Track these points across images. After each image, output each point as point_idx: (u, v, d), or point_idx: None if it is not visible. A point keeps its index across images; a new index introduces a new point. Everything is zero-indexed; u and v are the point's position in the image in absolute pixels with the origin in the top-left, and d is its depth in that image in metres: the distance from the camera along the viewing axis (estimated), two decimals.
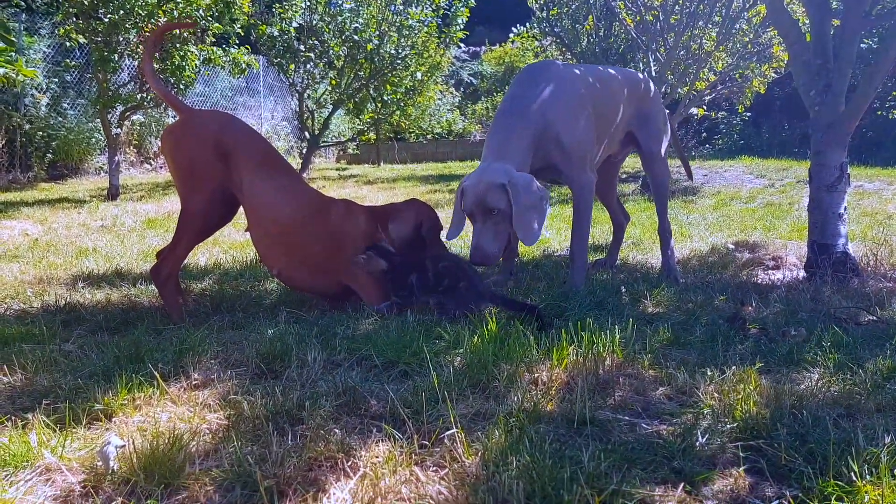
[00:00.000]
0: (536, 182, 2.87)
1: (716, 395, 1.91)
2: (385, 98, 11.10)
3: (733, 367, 2.08)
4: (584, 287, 3.19)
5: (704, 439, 1.64)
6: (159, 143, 3.03)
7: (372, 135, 12.52)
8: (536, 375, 2.03)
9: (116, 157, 7.76)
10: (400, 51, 10.09)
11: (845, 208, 3.64)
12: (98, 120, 9.14)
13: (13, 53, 4.22)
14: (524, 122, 2.97)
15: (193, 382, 2.01)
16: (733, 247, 4.54)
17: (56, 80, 9.63)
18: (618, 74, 3.55)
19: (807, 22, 6.05)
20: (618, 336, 2.27)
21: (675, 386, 2.03)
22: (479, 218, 2.83)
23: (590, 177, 3.19)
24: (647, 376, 2.10)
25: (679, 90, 8.26)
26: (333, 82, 10.43)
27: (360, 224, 2.98)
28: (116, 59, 7.18)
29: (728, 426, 1.72)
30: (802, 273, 3.70)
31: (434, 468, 1.51)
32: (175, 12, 7.05)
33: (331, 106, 10.80)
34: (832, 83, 3.61)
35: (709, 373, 2.07)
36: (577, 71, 3.31)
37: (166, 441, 1.53)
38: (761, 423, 1.72)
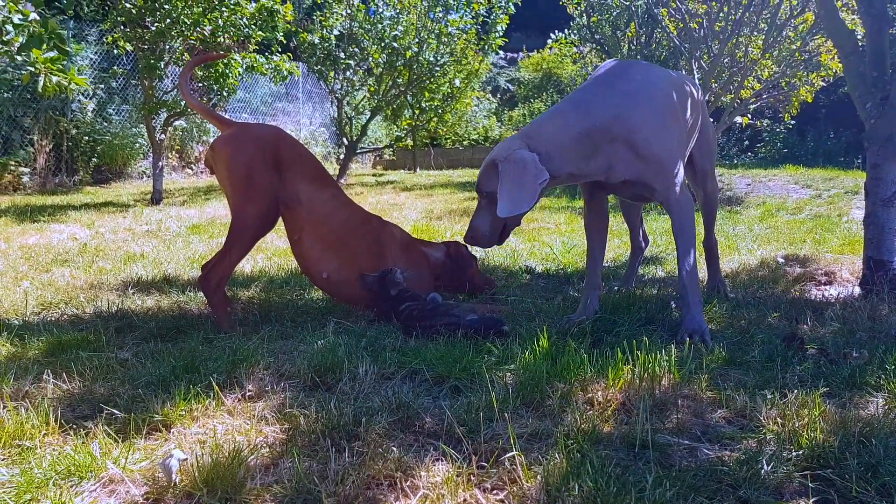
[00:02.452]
0: (537, 163, 2.54)
1: (778, 420, 1.86)
2: (423, 105, 11.12)
3: (795, 391, 2.02)
4: (632, 301, 3.13)
5: (770, 467, 1.60)
6: (208, 152, 3.13)
7: (409, 141, 12.57)
8: (591, 395, 2.00)
9: (160, 162, 7.90)
10: (439, 58, 10.11)
11: None
12: (141, 125, 9.35)
13: (66, 62, 4.32)
14: (582, 113, 2.65)
15: (248, 394, 2.02)
16: (783, 260, 4.43)
17: (102, 86, 9.86)
18: (687, 80, 3.23)
19: (858, 30, 5.91)
20: (674, 355, 2.23)
21: (734, 408, 1.98)
22: (479, 198, 2.75)
23: (687, 194, 2.84)
24: (705, 398, 2.05)
25: (723, 98, 8.11)
26: (372, 89, 10.49)
27: (395, 234, 3.28)
28: (162, 66, 7.32)
29: (794, 454, 1.66)
30: (857, 289, 3.59)
31: (494, 491, 1.49)
32: (220, 21, 7.16)
33: (369, 112, 10.86)
34: (889, 95, 3.51)
35: (769, 396, 2.01)
36: (666, 73, 3.01)
37: (226, 455, 1.54)
38: (828, 451, 1.67)
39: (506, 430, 1.71)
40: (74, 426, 1.77)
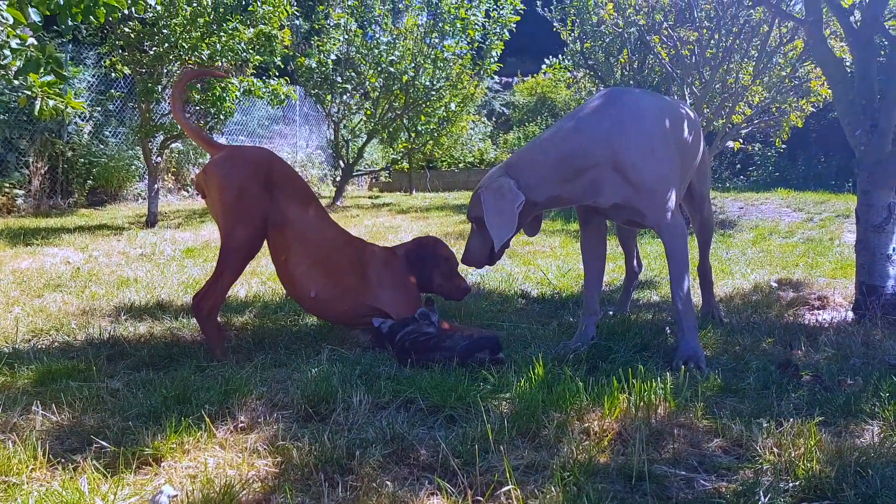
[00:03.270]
0: (512, 188, 2.67)
1: (774, 449, 1.85)
2: (419, 128, 11.20)
3: (791, 419, 2.01)
4: (627, 327, 3.13)
5: (767, 499, 1.59)
6: (200, 176, 3.20)
7: (405, 163, 12.62)
8: (587, 425, 1.98)
9: (156, 185, 7.89)
10: (434, 82, 10.18)
11: (894, 249, 3.54)
12: (138, 147, 9.35)
13: (63, 86, 4.33)
14: (561, 140, 2.74)
15: (240, 425, 2.00)
16: (776, 285, 4.44)
17: (99, 108, 9.87)
18: (685, 106, 3.28)
19: (846, 57, 5.98)
20: (669, 383, 2.22)
21: (731, 437, 1.97)
22: (471, 222, 2.95)
23: (679, 220, 2.87)
24: (701, 427, 2.04)
25: (715, 123, 8.19)
26: (368, 112, 10.55)
27: (376, 252, 3.29)
28: (160, 90, 7.34)
29: (791, 484, 1.66)
30: (850, 314, 3.60)
31: None
32: (218, 45, 7.21)
33: (365, 135, 10.91)
34: (878, 123, 3.54)
35: (765, 424, 2.00)
36: (660, 100, 3.07)
37: (217, 490, 1.52)
38: (825, 482, 1.66)
39: (501, 463, 1.70)
40: (63, 460, 1.74)
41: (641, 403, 2.08)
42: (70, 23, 4.10)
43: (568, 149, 2.72)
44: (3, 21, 3.63)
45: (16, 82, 4.20)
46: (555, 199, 2.78)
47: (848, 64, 5.78)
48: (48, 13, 3.94)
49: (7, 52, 3.93)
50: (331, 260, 3.11)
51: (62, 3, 3.95)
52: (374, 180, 15.45)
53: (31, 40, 3.92)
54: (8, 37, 3.82)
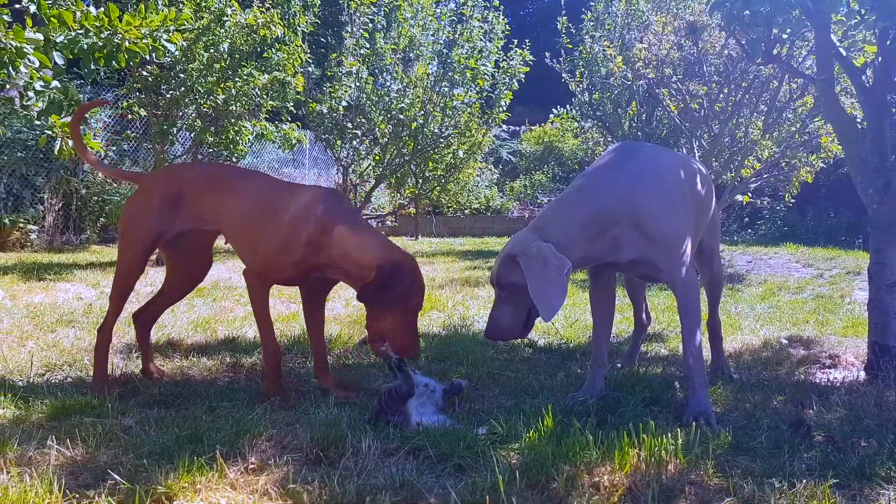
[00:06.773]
0: (555, 253, 2.55)
1: None
2: (426, 174, 11.35)
3: (804, 481, 1.99)
4: (636, 380, 3.11)
5: None
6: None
7: (412, 209, 12.75)
8: (597, 479, 1.97)
9: None
10: (443, 130, 10.36)
11: None
12: None
13: (82, 127, 4.44)
14: (587, 198, 2.72)
15: (250, 466, 2.00)
16: (787, 341, 4.42)
17: (114, 147, 10.05)
18: (695, 161, 3.25)
19: (857, 114, 6.05)
20: (680, 439, 2.21)
21: (742, 497, 1.95)
22: (496, 291, 2.72)
23: (693, 275, 2.83)
24: (712, 485, 2.02)
25: (724, 177, 8.25)
26: (377, 158, 10.70)
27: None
28: (175, 132, 7.49)
29: None
30: (862, 374, 3.57)
31: None
32: (233, 90, 7.38)
33: (373, 180, 11.04)
34: (891, 181, 3.57)
35: (777, 485, 1.98)
36: (675, 155, 3.05)
37: None
38: None
39: None
40: (77, 495, 1.75)
41: (652, 459, 2.07)
42: (92, 66, 4.23)
43: (596, 207, 2.69)
44: (29, 64, 3.74)
45: (37, 122, 4.31)
46: (583, 260, 2.73)
47: (859, 120, 5.85)
48: (71, 56, 4.06)
49: (31, 93, 4.05)
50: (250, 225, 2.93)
51: (86, 48, 4.08)
52: (380, 224, 15.57)
53: (55, 83, 4.04)
54: (32, 79, 3.94)
